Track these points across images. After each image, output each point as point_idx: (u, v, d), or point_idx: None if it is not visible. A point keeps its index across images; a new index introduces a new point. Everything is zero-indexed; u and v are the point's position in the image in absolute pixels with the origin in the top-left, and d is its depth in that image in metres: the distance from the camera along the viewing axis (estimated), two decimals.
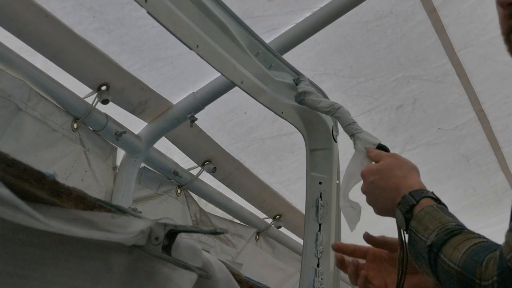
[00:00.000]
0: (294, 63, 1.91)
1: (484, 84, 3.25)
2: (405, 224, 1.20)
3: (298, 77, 1.83)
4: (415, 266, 1.19)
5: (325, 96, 1.95)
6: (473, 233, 1.10)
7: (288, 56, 2.40)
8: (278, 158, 3.35)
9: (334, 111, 1.67)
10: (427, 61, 3.06)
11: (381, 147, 1.48)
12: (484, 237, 1.11)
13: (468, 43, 3.01)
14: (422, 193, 1.22)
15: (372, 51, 2.93)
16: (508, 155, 3.80)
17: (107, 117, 2.59)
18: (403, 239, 1.30)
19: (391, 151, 1.48)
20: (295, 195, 3.53)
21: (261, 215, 3.62)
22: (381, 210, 1.33)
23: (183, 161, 3.07)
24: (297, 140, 3.04)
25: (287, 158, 3.33)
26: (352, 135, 1.56)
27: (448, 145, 3.60)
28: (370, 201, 1.35)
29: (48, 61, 2.30)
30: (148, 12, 1.36)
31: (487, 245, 1.05)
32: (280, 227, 3.70)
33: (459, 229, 1.10)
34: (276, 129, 3.12)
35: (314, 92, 1.74)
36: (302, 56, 2.76)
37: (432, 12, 2.82)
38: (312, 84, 1.86)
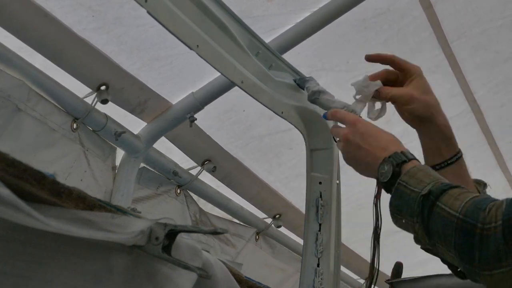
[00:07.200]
0: (292, 60, 1.90)
1: (475, 72, 3.30)
2: (390, 177, 1.22)
3: (300, 77, 1.82)
4: (392, 219, 1.21)
5: None
6: (470, 190, 1.15)
7: (286, 54, 2.40)
8: (276, 155, 3.35)
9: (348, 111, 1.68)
10: (421, 53, 3.08)
11: None
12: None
13: (462, 35, 3.06)
14: (413, 156, 1.26)
15: (369, 46, 2.94)
16: (503, 149, 3.84)
17: (106, 117, 2.58)
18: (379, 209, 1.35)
19: None
20: (295, 193, 3.52)
21: (260, 215, 3.61)
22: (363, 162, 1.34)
23: (183, 161, 3.07)
24: (295, 136, 3.01)
25: (285, 155, 3.33)
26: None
27: None
28: (352, 149, 1.36)
29: (47, 60, 2.30)
30: (148, 12, 1.36)
31: (489, 197, 1.10)
32: (280, 226, 3.69)
33: (456, 185, 1.14)
34: (273, 126, 3.11)
35: (327, 92, 1.73)
36: (301, 54, 2.76)
37: (428, 8, 2.86)
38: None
